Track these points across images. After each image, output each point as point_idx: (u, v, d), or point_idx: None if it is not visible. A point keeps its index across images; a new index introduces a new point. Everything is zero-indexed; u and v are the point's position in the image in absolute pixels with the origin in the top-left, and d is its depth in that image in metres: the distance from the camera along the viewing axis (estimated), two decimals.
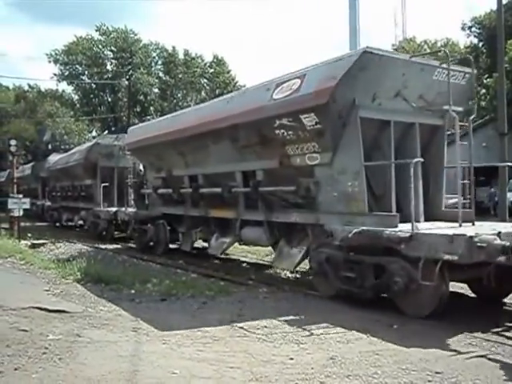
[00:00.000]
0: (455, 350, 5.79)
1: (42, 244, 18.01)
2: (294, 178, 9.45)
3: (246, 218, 11.43)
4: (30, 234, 20.05)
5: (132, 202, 18.13)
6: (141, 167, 18.10)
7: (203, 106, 13.94)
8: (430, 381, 4.93)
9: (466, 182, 8.75)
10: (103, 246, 17.34)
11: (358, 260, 8.02)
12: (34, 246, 16.87)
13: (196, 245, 15.02)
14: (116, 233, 19.82)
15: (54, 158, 28.74)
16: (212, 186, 12.16)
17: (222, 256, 13.61)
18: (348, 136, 8.46)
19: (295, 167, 9.57)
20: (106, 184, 19.93)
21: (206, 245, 14.62)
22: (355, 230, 7.87)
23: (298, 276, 11.29)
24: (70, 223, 25.47)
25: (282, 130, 9.36)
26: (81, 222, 24.14)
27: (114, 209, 18.74)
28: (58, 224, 26.54)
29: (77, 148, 26.33)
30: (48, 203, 28.52)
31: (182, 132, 12.64)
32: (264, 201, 10.65)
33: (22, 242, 17.60)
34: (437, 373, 5.07)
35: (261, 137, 10.06)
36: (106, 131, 50.68)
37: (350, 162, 8.50)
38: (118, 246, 17.64)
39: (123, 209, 17.94)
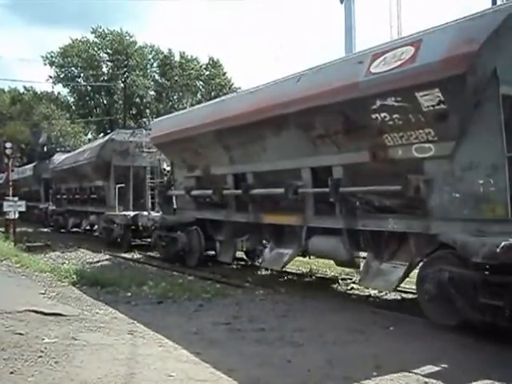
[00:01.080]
0: (452, 352, 5.79)
1: (39, 246, 17.71)
2: (394, 176, 7.42)
3: (315, 224, 9.22)
4: (25, 237, 19.25)
5: (150, 206, 16.69)
6: (165, 166, 16.27)
7: (260, 88, 10.56)
8: (426, 382, 4.93)
9: None
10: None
11: (506, 283, 5.87)
12: (30, 250, 16.76)
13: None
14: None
15: (59, 157, 26.42)
16: (265, 186, 10.19)
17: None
18: (483, 119, 6.51)
19: (395, 161, 7.54)
20: (122, 185, 17.73)
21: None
22: (504, 243, 5.78)
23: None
24: (76, 229, 23.65)
25: (383, 114, 7.30)
26: (89, 228, 22.79)
27: (133, 213, 16.55)
28: (63, 230, 24.41)
29: (87, 146, 23.88)
30: (52, 207, 26.06)
31: (228, 121, 10.49)
32: (344, 204, 8.47)
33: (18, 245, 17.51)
34: (434, 374, 5.08)
35: (347, 123, 7.99)
36: (102, 133, 50.59)
37: (483, 153, 6.53)
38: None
39: (145, 213, 15.76)
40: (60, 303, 8.36)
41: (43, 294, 9.11)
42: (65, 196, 24.58)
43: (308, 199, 9.33)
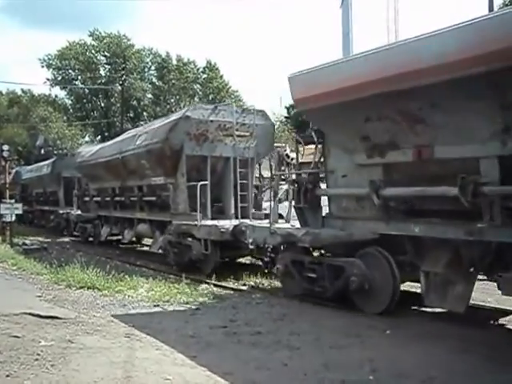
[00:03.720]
0: (449, 357, 5.80)
1: (37, 250, 17.43)
2: None
3: None
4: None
5: (233, 211, 12.77)
6: (288, 151, 11.56)
7: None
8: None
9: None
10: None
11: None
12: (26, 253, 16.73)
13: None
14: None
15: (88, 149, 20.99)
16: None
17: None
18: None
19: None
20: (205, 183, 12.58)
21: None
22: None
23: None
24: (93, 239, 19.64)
25: None
26: (124, 238, 17.88)
27: (231, 222, 11.86)
28: (91, 239, 20.01)
29: (139, 128, 17.54)
30: (76, 212, 21.03)
31: None
32: None
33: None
34: (431, 378, 5.09)
35: None
36: (100, 136, 50.58)
37: None
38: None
39: (258, 223, 10.69)
40: (57, 306, 8.35)
41: (40, 296, 9.11)
42: (97, 198, 19.32)
43: None
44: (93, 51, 55.08)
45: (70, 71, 55.19)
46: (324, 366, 5.47)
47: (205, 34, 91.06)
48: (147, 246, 17.87)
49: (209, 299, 9.10)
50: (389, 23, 16.08)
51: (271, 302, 8.89)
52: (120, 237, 18.48)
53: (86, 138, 55.89)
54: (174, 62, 56.20)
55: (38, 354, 5.59)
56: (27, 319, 7.17)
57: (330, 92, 7.87)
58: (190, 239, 12.33)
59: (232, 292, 9.92)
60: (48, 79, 54.87)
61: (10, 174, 23.69)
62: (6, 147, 21.61)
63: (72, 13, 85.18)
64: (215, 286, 10.49)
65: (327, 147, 9.07)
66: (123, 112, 47.35)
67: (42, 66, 54.64)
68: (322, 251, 9.24)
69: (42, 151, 40.60)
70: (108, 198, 18.13)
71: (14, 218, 18.86)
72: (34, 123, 50.73)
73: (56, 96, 58.38)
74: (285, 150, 11.21)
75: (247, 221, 11.43)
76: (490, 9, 16.82)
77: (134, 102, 54.77)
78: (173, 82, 54.87)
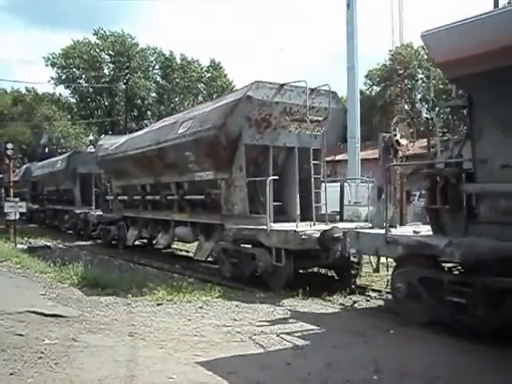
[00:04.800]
0: (452, 356, 5.79)
1: (41, 248, 17.57)
2: None
3: None
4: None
5: (299, 213, 10.74)
6: (398, 137, 9.20)
7: None
8: None
9: None
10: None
11: None
12: (30, 251, 16.77)
13: None
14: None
15: (112, 141, 18.02)
16: None
17: None
18: None
19: None
20: (274, 177, 10.28)
21: None
22: None
23: None
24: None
25: None
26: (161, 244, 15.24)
27: (308, 227, 9.79)
28: (114, 242, 17.92)
29: (180, 115, 14.79)
30: (97, 213, 19.22)
31: None
32: None
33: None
34: (435, 378, 5.07)
35: None
36: (104, 135, 50.67)
37: None
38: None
39: (363, 228, 9.02)
40: (60, 304, 8.35)
41: (43, 295, 9.11)
42: (123, 197, 16.95)
43: None
44: (97, 50, 55.17)
45: (74, 70, 55.31)
46: (328, 366, 5.46)
47: (209, 33, 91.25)
48: (181, 250, 17.30)
49: (212, 298, 9.07)
50: (393, 23, 16.08)
51: (275, 301, 8.87)
52: (145, 240, 16.97)
53: (90, 137, 56.06)
54: (178, 61, 56.29)
55: (42, 353, 5.61)
56: (31, 317, 7.18)
57: (499, 50, 5.76)
58: (250, 246, 10.34)
59: (236, 291, 9.88)
60: (52, 78, 55.08)
61: (14, 172, 23.70)
62: (10, 145, 21.68)
63: (76, 12, 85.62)
64: (218, 284, 10.36)
65: (477, 127, 6.62)
66: (127, 111, 47.41)
67: (47, 65, 54.88)
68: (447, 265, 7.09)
69: (46, 150, 40.74)
70: (137, 197, 15.80)
71: (17, 216, 18.87)
72: (38, 122, 50.88)
73: (60, 95, 58.58)
74: (394, 135, 9.10)
75: (340, 224, 9.74)
76: (496, 4, 16.74)
77: (138, 101, 54.92)
78: (177, 80, 54.96)
